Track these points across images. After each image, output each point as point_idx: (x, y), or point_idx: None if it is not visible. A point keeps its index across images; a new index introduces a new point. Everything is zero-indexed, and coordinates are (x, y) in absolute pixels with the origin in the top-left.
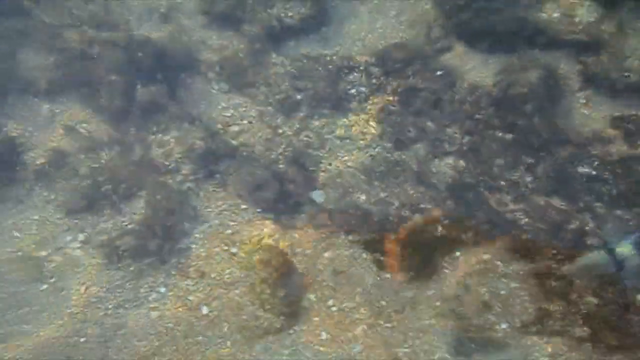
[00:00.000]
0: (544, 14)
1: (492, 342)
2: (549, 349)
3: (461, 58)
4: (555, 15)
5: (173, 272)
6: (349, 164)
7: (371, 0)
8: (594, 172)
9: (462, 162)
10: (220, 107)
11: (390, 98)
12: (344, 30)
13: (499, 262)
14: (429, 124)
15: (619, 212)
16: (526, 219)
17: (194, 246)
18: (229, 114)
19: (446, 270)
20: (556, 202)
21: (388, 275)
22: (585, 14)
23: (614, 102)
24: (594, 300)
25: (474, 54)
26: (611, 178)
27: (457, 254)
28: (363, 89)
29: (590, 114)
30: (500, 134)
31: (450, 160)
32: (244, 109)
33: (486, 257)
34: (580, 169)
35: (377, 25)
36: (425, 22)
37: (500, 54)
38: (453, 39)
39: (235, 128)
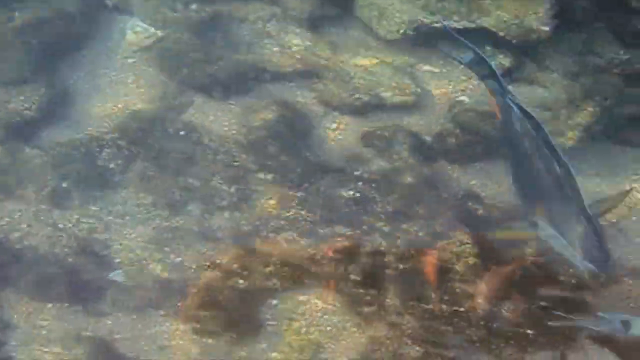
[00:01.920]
0: (265, 50)
1: None
2: None
3: (203, 111)
4: (275, 49)
5: None
6: (138, 239)
7: (109, 73)
8: (357, 194)
9: (237, 214)
10: None
11: (147, 164)
12: (89, 108)
13: (317, 301)
14: (191, 181)
15: (404, 226)
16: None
17: (14, 354)
18: (5, 223)
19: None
20: (340, 229)
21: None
22: (300, 43)
23: (361, 122)
24: None
25: (215, 104)
26: (378, 196)
27: (275, 302)
28: (120, 161)
29: (343, 137)
30: (262, 176)
31: (226, 214)
32: (19, 213)
33: (303, 298)
34: (345, 193)
35: (119, 96)
36: (162, 84)
37: (237, 99)
38: (191, 95)
39: (16, 234)
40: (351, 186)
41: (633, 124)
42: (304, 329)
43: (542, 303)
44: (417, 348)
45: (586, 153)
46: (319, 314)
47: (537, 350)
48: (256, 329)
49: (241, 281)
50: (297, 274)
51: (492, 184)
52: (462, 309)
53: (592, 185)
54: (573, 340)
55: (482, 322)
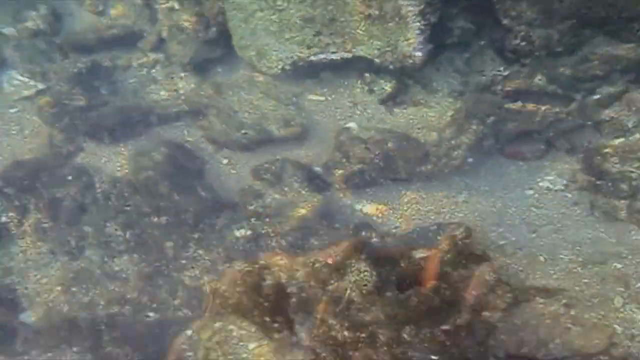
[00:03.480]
0: (152, 94)
1: None
2: None
3: (95, 155)
4: (162, 93)
5: None
6: (42, 281)
7: None
8: (249, 232)
9: (136, 256)
10: None
11: (39, 215)
12: None
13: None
14: (86, 229)
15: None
16: None
17: None
18: None
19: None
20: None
21: None
22: (185, 85)
23: (250, 156)
24: None
25: (106, 147)
26: (271, 230)
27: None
28: (12, 213)
29: (236, 172)
30: (155, 219)
31: (125, 257)
32: None
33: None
34: (237, 233)
35: (3, 147)
36: (46, 131)
37: (128, 142)
38: (81, 140)
39: None
40: (245, 223)
41: (520, 139)
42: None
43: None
44: None
45: (479, 170)
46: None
47: None
48: None
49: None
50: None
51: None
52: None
53: (487, 204)
54: None
55: None
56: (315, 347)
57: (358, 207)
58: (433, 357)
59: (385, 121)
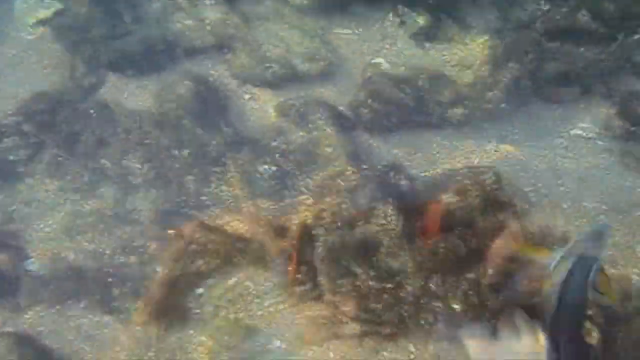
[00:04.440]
0: (177, 23)
1: None
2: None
3: (117, 88)
4: (188, 22)
5: None
6: (46, 229)
7: (8, 52)
8: (274, 168)
9: (154, 191)
10: None
11: (55, 151)
12: None
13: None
14: (104, 162)
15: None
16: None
17: None
18: None
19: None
20: (265, 203)
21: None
22: (212, 14)
23: (275, 92)
24: None
25: (128, 81)
26: (295, 168)
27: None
28: (23, 151)
29: (259, 107)
30: (176, 152)
31: (141, 193)
32: None
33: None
34: (261, 168)
35: (23, 80)
36: (68, 62)
37: (152, 75)
38: (102, 72)
39: None
40: (269, 159)
41: (557, 80)
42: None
43: None
44: (354, 325)
45: (512, 115)
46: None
47: None
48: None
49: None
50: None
51: (415, 153)
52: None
53: (516, 151)
54: None
55: None
56: (338, 301)
57: (385, 148)
58: (455, 305)
59: (415, 57)
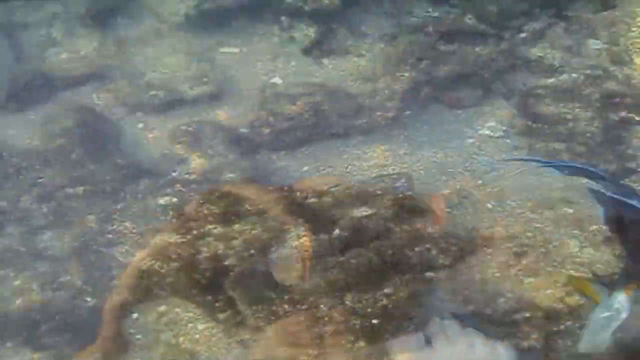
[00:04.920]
0: (54, 57)
1: None
2: None
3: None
4: (64, 55)
5: None
6: None
7: None
8: (174, 199)
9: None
10: None
11: None
12: None
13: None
14: (1, 204)
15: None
16: None
17: None
18: None
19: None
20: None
21: None
22: (87, 45)
23: (166, 119)
24: None
25: (12, 117)
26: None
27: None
28: None
29: (153, 135)
30: (72, 190)
31: (49, 233)
32: None
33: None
34: (161, 200)
35: None
36: None
37: (36, 109)
38: None
39: None
40: (169, 190)
41: (457, 84)
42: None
43: None
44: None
45: (417, 122)
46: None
47: None
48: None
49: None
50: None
51: (326, 166)
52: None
53: (429, 154)
54: None
55: None
56: (259, 324)
57: (294, 166)
58: (374, 321)
59: (311, 73)
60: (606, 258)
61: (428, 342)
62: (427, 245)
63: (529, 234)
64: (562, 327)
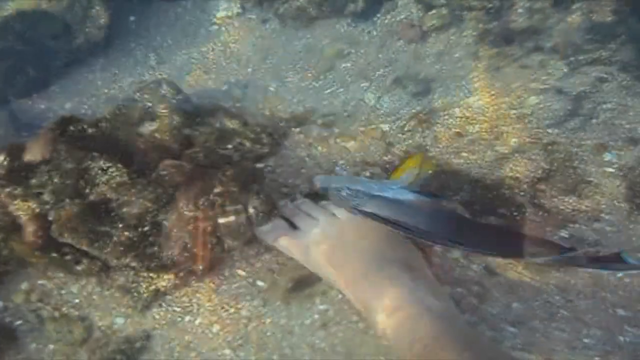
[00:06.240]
0: None
1: None
2: None
3: None
4: None
5: None
6: None
7: None
8: None
9: None
10: None
11: None
12: None
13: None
14: None
15: None
16: None
17: None
18: None
19: None
20: None
21: None
22: None
23: None
24: None
25: None
26: None
27: None
28: None
29: None
30: None
31: None
32: None
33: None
34: None
35: None
36: None
37: None
38: None
39: None
40: None
41: None
42: None
43: None
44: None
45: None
46: None
47: None
48: None
49: None
50: None
51: None
52: None
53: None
54: None
55: None
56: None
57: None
58: (222, 220)
59: None
60: None
61: (291, 224)
62: (238, 140)
63: (324, 103)
64: None
